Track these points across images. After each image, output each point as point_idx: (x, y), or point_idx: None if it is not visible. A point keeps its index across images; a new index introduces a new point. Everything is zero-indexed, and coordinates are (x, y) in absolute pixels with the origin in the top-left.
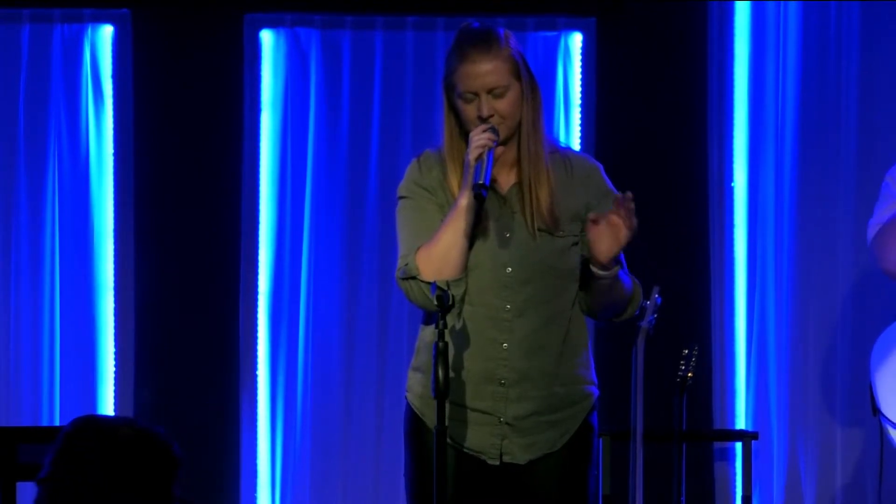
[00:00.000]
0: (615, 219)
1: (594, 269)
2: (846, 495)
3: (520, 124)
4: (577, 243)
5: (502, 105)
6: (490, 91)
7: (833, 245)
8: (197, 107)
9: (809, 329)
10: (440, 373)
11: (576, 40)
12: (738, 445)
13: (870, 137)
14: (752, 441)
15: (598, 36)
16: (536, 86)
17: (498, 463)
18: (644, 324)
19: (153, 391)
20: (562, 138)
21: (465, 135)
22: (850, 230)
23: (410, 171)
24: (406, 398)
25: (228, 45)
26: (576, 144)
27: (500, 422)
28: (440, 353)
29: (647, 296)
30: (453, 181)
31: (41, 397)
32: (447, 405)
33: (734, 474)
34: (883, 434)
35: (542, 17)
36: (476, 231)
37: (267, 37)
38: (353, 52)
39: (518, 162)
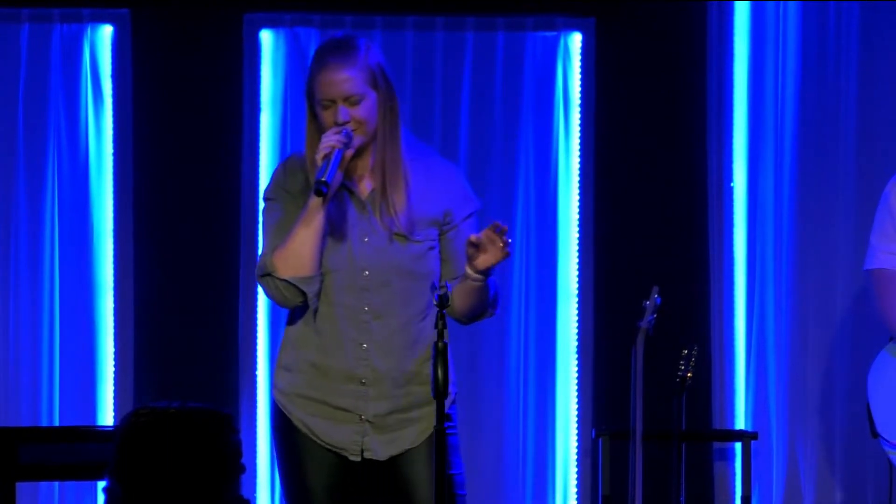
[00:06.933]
0: (492, 236)
1: (469, 272)
2: (845, 495)
3: (377, 133)
4: (433, 248)
5: (358, 112)
6: (346, 98)
7: (833, 245)
8: (196, 107)
9: (809, 328)
10: (440, 373)
11: (575, 40)
12: (738, 445)
13: (869, 137)
14: (752, 441)
15: (597, 36)
16: (394, 96)
17: (359, 459)
18: (643, 324)
19: (153, 391)
20: (561, 138)
21: None
22: (849, 230)
23: (276, 175)
24: (272, 395)
25: (228, 45)
26: (575, 144)
27: (362, 419)
28: (440, 353)
29: (646, 296)
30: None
31: (41, 397)
32: (309, 402)
33: (733, 474)
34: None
35: (541, 16)
36: (335, 234)
37: (266, 36)
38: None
39: (375, 169)
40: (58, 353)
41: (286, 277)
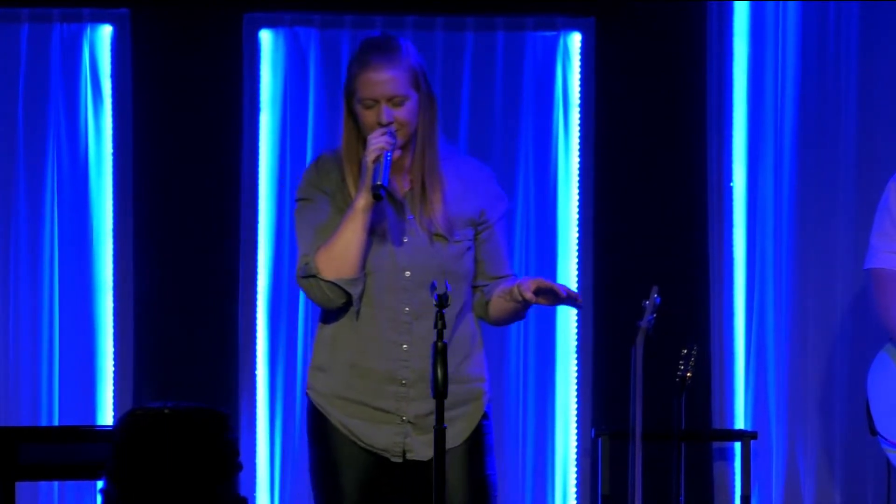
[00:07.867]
0: (557, 290)
1: (518, 296)
2: (845, 495)
3: (416, 133)
4: (470, 248)
5: (401, 113)
6: (389, 99)
7: (832, 245)
8: (196, 106)
9: (808, 328)
10: (439, 373)
11: (575, 40)
12: (737, 445)
13: (869, 137)
14: (751, 441)
15: (597, 36)
16: (434, 98)
17: (401, 460)
18: (643, 323)
19: (153, 391)
20: (561, 138)
21: (362, 139)
22: (849, 230)
23: (308, 174)
24: (308, 395)
25: (228, 45)
26: (575, 144)
27: (403, 420)
28: (439, 353)
29: (646, 296)
30: (350, 183)
31: (41, 397)
32: (348, 404)
33: (733, 474)
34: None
35: (541, 16)
36: (376, 235)
37: (266, 36)
38: (352, 51)
39: (413, 170)
40: (58, 353)
41: (331, 279)
